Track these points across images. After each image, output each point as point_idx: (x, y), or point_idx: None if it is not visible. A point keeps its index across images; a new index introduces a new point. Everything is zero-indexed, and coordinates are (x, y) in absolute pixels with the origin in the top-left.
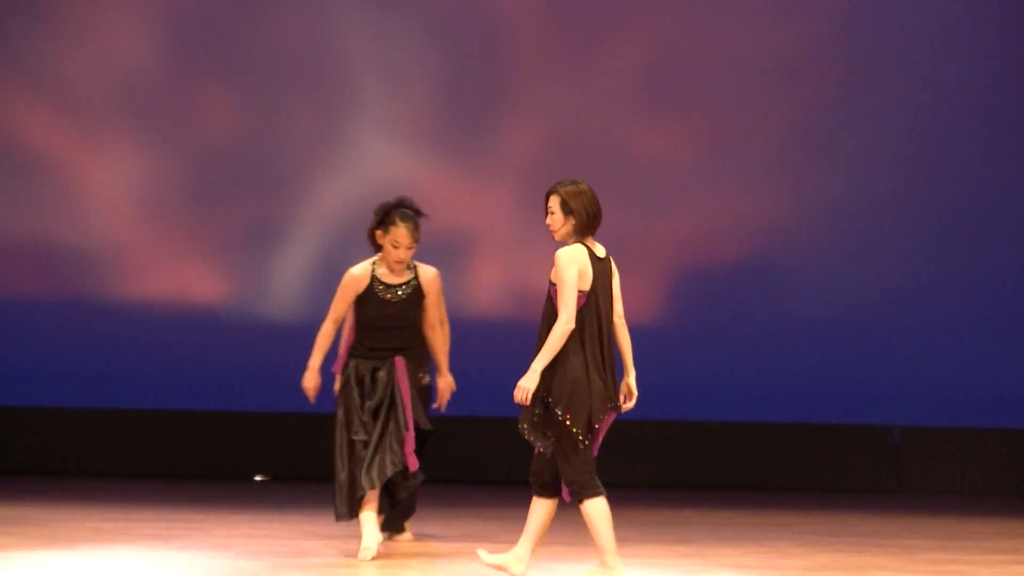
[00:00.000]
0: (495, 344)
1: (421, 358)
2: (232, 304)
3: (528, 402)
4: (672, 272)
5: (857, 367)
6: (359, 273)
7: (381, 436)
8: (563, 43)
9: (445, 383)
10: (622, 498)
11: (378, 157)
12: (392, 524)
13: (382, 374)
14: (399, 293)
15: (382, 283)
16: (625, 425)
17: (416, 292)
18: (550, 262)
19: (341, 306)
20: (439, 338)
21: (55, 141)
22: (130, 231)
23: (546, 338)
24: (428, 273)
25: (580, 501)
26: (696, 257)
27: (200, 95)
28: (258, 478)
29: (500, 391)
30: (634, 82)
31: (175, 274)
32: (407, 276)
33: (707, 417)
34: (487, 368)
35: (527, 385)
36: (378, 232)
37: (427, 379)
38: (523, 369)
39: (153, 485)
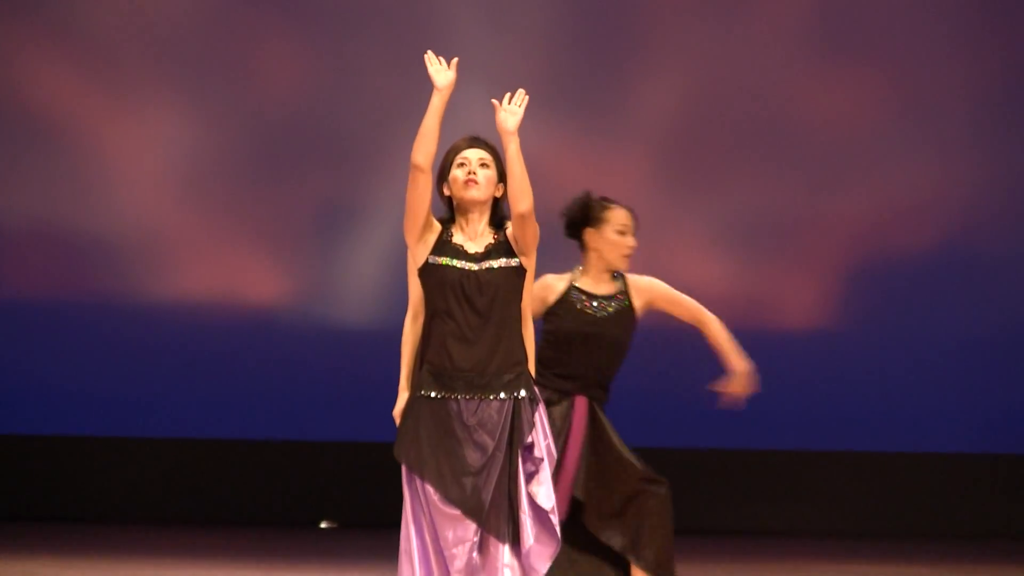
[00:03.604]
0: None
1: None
2: (294, 306)
3: None
4: (846, 266)
5: None
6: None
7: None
8: None
9: None
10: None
11: (477, 121)
12: None
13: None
14: (611, 307)
15: (590, 296)
16: (806, 458)
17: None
18: (698, 248)
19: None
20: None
21: (77, 105)
22: (168, 216)
23: None
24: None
25: None
26: (878, 247)
27: (257, 47)
28: (325, 524)
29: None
30: (799, 26)
31: (223, 269)
32: (616, 286)
33: (904, 448)
34: (635, 392)
35: None
36: (588, 231)
37: None
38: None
39: (192, 533)
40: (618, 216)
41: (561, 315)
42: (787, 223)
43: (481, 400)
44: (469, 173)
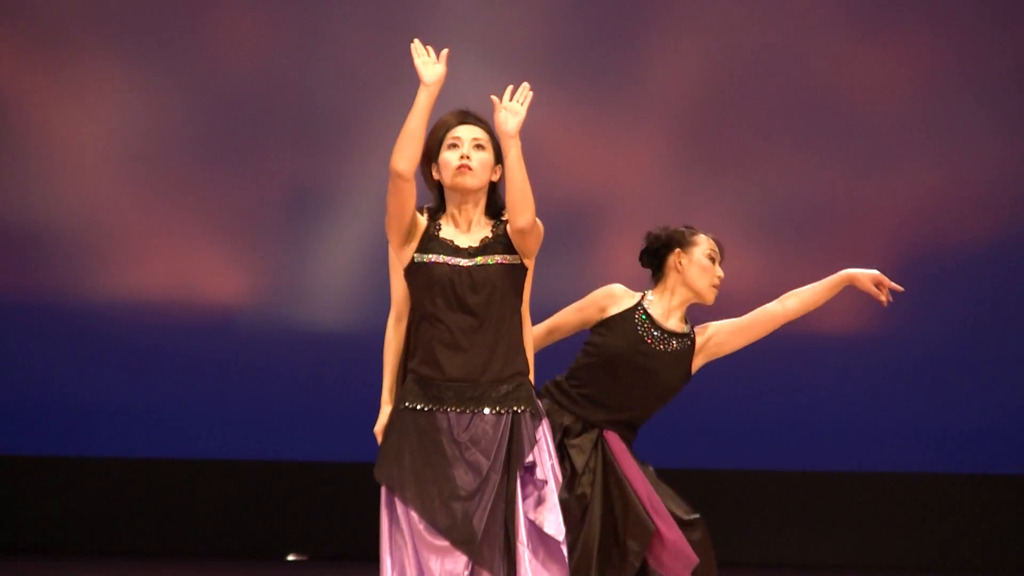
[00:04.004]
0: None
1: None
2: (257, 305)
3: None
4: (891, 262)
5: None
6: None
7: None
8: None
9: None
10: None
11: (469, 96)
12: None
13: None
14: (673, 345)
15: (655, 324)
16: (846, 481)
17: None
18: (718, 234)
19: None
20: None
21: (10, 80)
22: (114, 204)
23: None
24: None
25: None
26: (929, 240)
27: (215, 10)
28: (292, 557)
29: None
30: None
31: (176, 264)
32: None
33: (962, 468)
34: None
35: None
36: (675, 253)
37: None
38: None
39: (134, 567)
40: (709, 242)
41: (616, 331)
42: (824, 211)
43: (474, 414)
44: (462, 157)
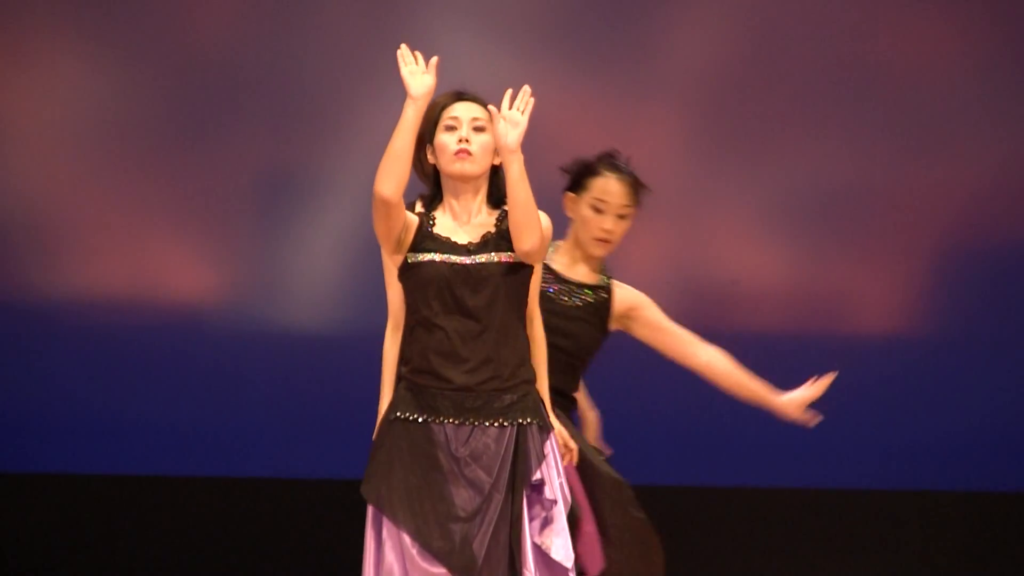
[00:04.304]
0: (662, 374)
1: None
2: (227, 304)
3: None
4: (939, 254)
5: None
6: None
7: None
8: None
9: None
10: None
11: (463, 72)
12: None
13: None
14: (576, 300)
15: (556, 276)
16: (887, 500)
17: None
18: (745, 231)
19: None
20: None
21: None
22: (67, 191)
23: None
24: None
25: None
26: (983, 231)
27: None
28: None
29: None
30: None
31: (137, 258)
32: (597, 277)
33: (1014, 486)
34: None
35: None
36: (568, 196)
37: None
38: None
39: None
40: (602, 184)
41: None
42: (863, 199)
43: (475, 426)
44: (460, 140)
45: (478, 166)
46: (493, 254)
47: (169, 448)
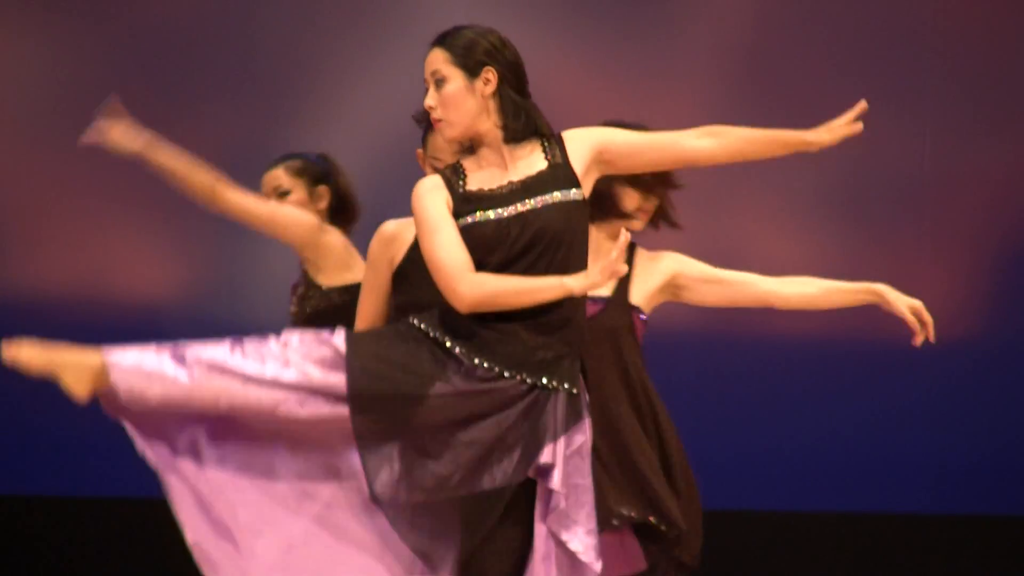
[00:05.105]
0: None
1: None
2: (189, 302)
3: None
4: (999, 250)
5: None
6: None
7: None
8: None
9: None
10: None
11: None
12: None
13: None
14: None
15: None
16: (944, 524)
17: None
18: (778, 221)
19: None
20: None
21: None
22: (12, 179)
23: None
24: None
25: None
26: None
27: None
28: None
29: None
30: None
31: (89, 252)
32: None
33: None
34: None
35: None
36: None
37: None
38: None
39: None
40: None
41: (413, 279)
42: (906, 184)
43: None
44: (428, 109)
45: (455, 128)
46: (548, 196)
47: (117, 465)
